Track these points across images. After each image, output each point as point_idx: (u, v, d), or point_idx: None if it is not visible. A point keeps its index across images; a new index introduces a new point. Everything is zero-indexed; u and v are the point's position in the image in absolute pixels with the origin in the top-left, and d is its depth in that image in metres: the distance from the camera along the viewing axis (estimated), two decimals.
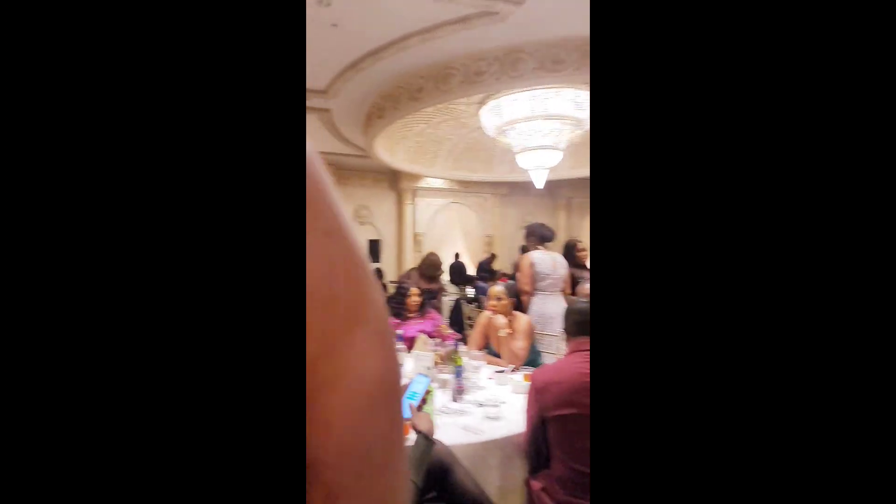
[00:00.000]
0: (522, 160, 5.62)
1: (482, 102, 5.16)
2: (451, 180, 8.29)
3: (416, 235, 8.67)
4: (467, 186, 8.71)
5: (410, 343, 2.90)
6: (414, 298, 3.10)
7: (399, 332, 2.96)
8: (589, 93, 4.64)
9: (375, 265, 7.37)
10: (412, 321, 3.10)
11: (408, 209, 8.69)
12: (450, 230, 8.79)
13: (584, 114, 5.00)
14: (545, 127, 5.14)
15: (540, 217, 9.41)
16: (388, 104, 4.72)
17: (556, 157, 5.49)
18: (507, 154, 7.48)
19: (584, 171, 7.27)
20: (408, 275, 4.16)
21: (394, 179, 8.58)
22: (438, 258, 4.40)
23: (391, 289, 6.85)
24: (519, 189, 8.92)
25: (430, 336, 2.96)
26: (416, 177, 8.02)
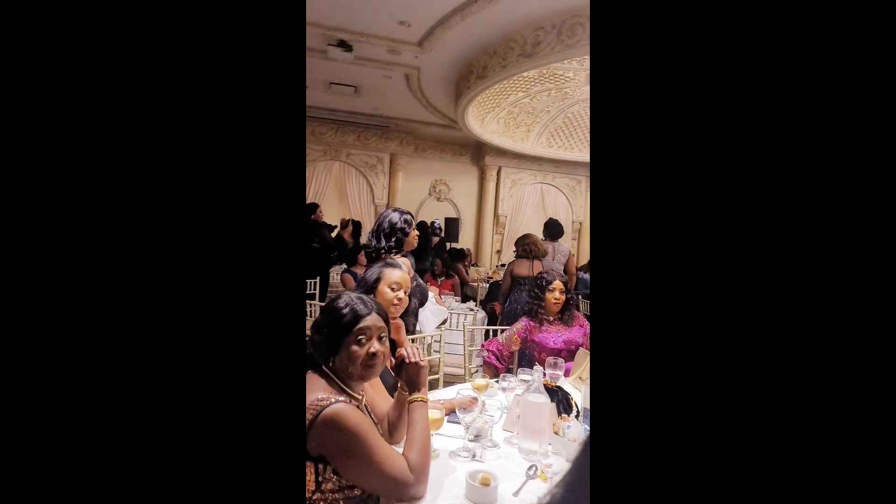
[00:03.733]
0: None
1: None
2: (543, 158, 7.45)
3: (497, 217, 7.99)
4: (558, 166, 7.84)
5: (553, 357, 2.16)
6: (557, 296, 2.23)
7: (534, 342, 2.21)
8: None
9: (454, 245, 6.82)
10: (553, 327, 2.24)
11: (490, 187, 8.02)
12: (535, 213, 8.00)
13: None
14: None
15: None
16: (493, 61, 3.98)
17: None
18: None
19: None
20: (521, 263, 3.43)
21: (477, 153, 7.92)
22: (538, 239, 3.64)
23: (480, 273, 6.27)
24: None
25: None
26: (503, 152, 7.28)
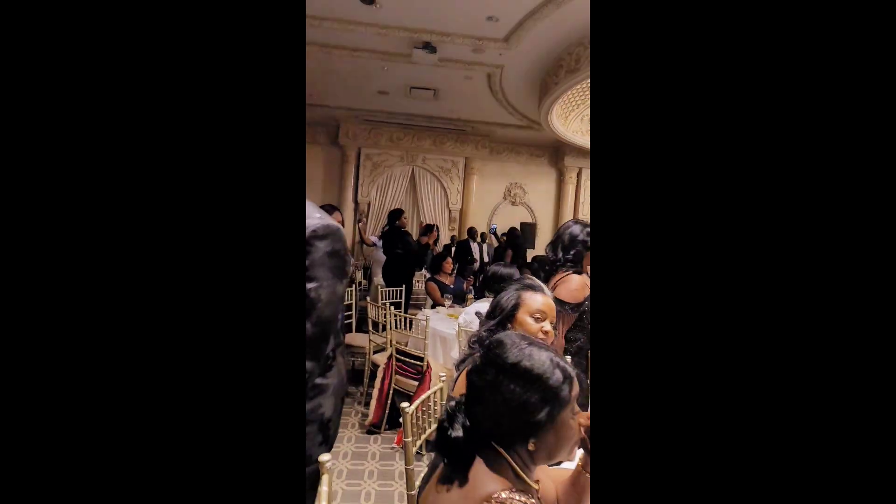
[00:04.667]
0: None
1: None
2: None
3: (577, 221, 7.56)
4: None
5: None
6: None
7: None
8: None
9: (531, 251, 6.53)
10: None
11: (569, 189, 7.63)
12: None
13: None
14: None
15: None
16: (586, 54, 3.69)
17: None
18: None
19: None
20: None
21: (555, 155, 7.58)
22: None
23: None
24: None
25: None
26: (584, 152, 6.89)
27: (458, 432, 0.76)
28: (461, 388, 1.15)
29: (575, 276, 1.74)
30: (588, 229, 1.78)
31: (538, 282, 1.34)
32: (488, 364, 0.79)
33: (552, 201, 7.83)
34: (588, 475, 0.89)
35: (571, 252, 1.74)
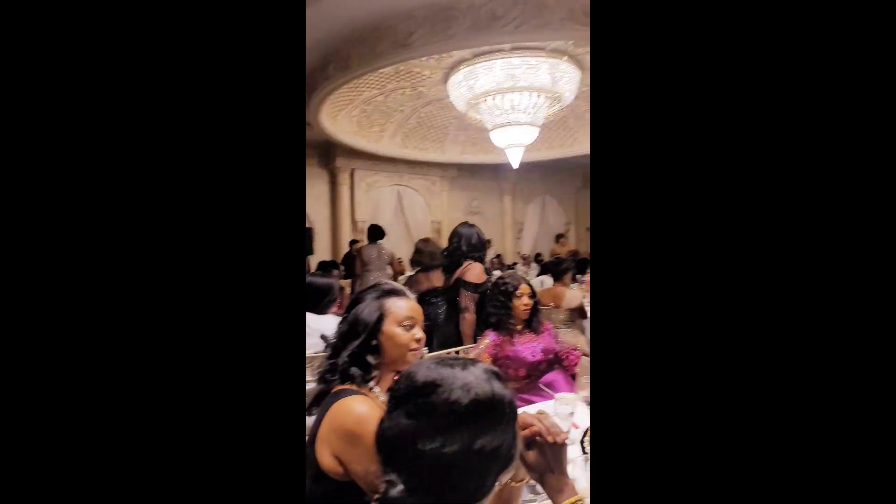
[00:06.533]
0: (497, 137, 4.96)
1: (452, 69, 4.39)
2: (398, 160, 7.28)
3: (355, 222, 7.54)
4: (414, 168, 7.77)
5: (531, 372, 1.91)
6: (527, 301, 1.96)
7: (508, 358, 1.93)
8: (569, 65, 4.28)
9: (313, 258, 6.17)
10: (524, 338, 1.97)
11: (343, 191, 7.54)
12: (395, 217, 7.79)
13: (563, 88, 4.47)
14: (522, 101, 4.54)
15: (486, 202, 8.87)
16: (362, 49, 3.61)
17: (532, 135, 4.92)
18: (461, 134, 6.76)
19: (540, 154, 6.74)
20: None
21: (325, 156, 7.36)
22: (432, 241, 3.35)
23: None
24: (465, 172, 8.24)
25: (560, 361, 1.99)
26: (356, 153, 6.89)
27: None
28: (334, 447, 0.93)
29: (477, 264, 2.40)
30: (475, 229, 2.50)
31: (397, 285, 1.16)
32: (418, 413, 0.58)
33: (327, 204, 7.60)
34: (514, 485, 0.81)
35: (479, 248, 2.41)
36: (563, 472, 0.78)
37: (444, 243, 2.81)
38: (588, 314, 3.10)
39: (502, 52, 4.10)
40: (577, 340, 2.83)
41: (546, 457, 0.77)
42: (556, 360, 2.01)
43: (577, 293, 3.36)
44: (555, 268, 3.55)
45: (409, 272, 3.02)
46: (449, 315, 2.46)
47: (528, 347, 1.96)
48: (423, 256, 2.96)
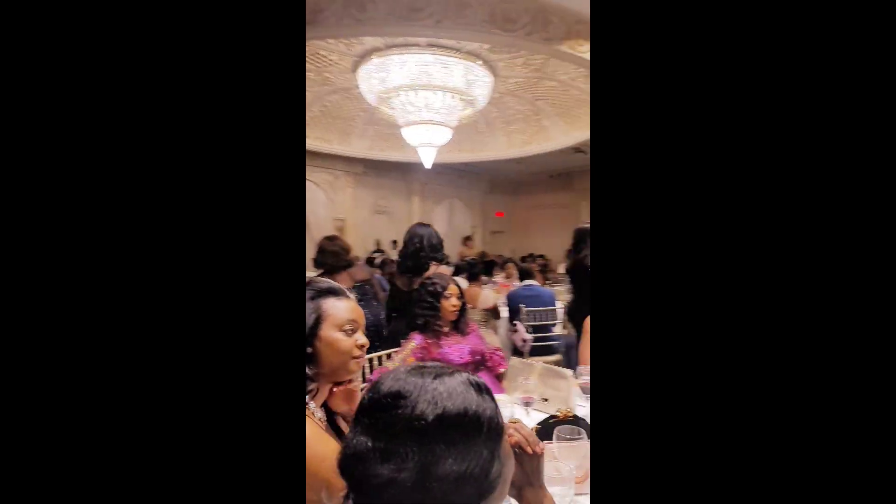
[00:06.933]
0: (409, 135, 4.80)
1: (363, 58, 4.10)
2: None
3: None
4: (314, 159, 7.21)
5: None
6: (455, 302, 1.90)
7: (434, 360, 1.76)
8: (483, 70, 4.31)
9: None
10: (450, 339, 1.90)
11: None
12: None
13: (477, 92, 4.43)
14: (436, 101, 4.41)
15: (394, 201, 8.59)
16: None
17: (445, 135, 4.83)
18: (370, 128, 6.41)
19: (450, 157, 6.65)
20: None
21: None
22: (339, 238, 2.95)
23: None
24: (372, 169, 7.88)
25: (485, 362, 1.92)
26: None
27: None
28: None
29: (444, 266, 2.43)
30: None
31: (334, 283, 0.99)
32: (376, 431, 0.51)
33: None
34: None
35: (439, 249, 2.37)
36: (541, 485, 0.74)
37: (349, 241, 2.74)
38: (500, 315, 3.14)
39: (417, 46, 3.90)
40: (492, 341, 2.80)
41: (525, 469, 0.73)
42: (481, 362, 1.95)
43: (492, 294, 3.42)
44: (470, 269, 3.54)
45: (312, 273, 2.62)
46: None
47: (456, 349, 1.88)
48: (327, 257, 2.57)
